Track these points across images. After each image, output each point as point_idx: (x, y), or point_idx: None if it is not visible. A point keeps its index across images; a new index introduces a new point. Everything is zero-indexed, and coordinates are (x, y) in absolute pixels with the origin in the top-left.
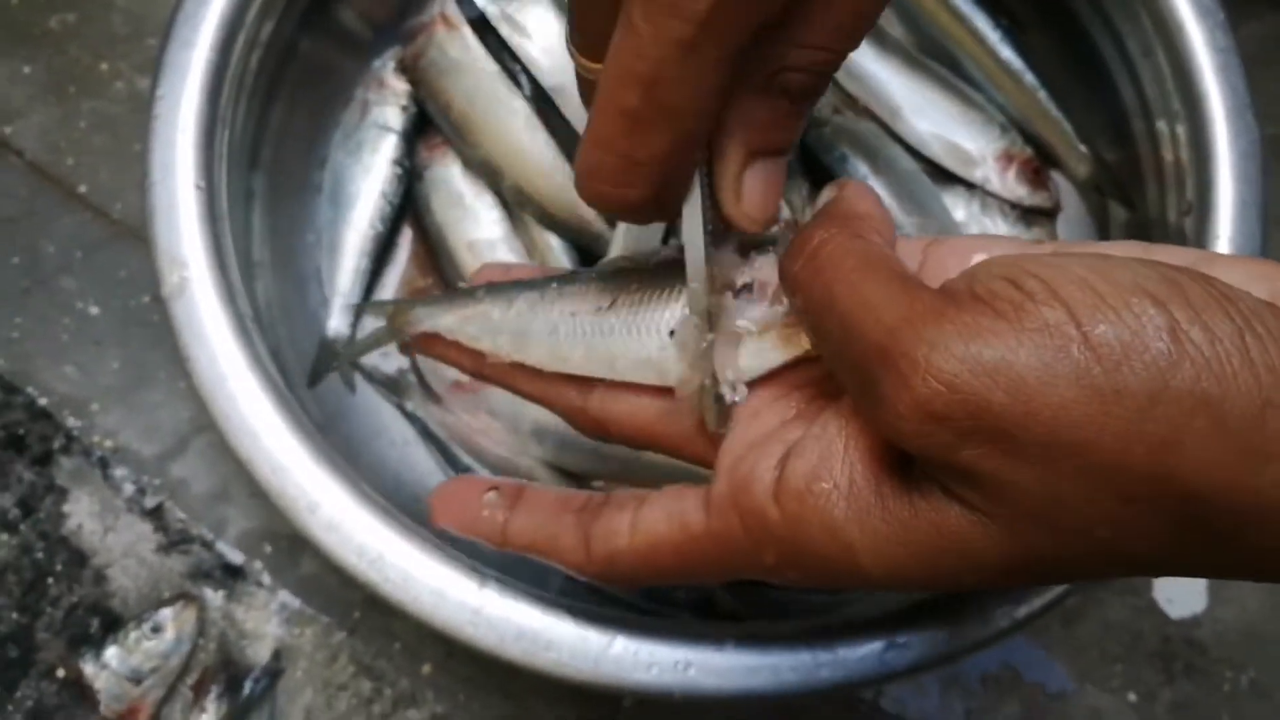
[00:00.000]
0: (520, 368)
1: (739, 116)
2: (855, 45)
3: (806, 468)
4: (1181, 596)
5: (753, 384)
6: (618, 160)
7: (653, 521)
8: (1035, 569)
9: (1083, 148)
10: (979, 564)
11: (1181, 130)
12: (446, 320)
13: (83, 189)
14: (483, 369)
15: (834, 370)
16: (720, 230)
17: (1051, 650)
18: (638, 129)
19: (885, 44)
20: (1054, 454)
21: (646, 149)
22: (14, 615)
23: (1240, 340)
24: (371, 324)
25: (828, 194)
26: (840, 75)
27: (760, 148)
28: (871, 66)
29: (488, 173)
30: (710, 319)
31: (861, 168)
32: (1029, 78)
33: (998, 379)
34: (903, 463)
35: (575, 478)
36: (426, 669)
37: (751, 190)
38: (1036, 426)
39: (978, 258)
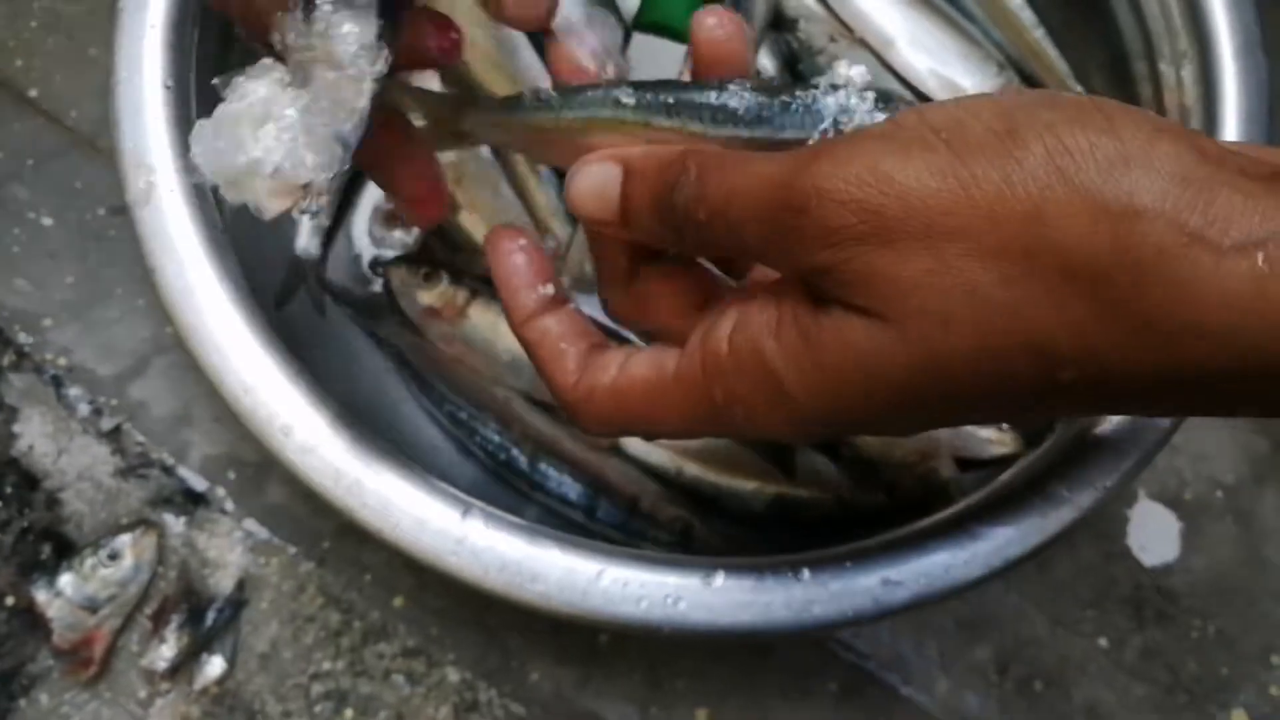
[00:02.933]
0: None
1: None
2: None
3: (747, 315)
4: (1155, 544)
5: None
6: None
7: (636, 364)
8: (942, 381)
9: (1079, 88)
10: (886, 378)
11: (1187, 73)
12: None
13: (33, 93)
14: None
15: (739, 253)
16: None
17: (1025, 594)
18: None
19: None
20: (932, 242)
21: None
22: None
23: (1109, 129)
24: (342, 249)
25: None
26: (836, 3)
27: None
28: None
29: (469, 84)
30: None
31: None
32: (1027, 14)
33: (875, 183)
34: (815, 307)
35: (551, 410)
36: (398, 601)
37: None
38: (913, 217)
39: None
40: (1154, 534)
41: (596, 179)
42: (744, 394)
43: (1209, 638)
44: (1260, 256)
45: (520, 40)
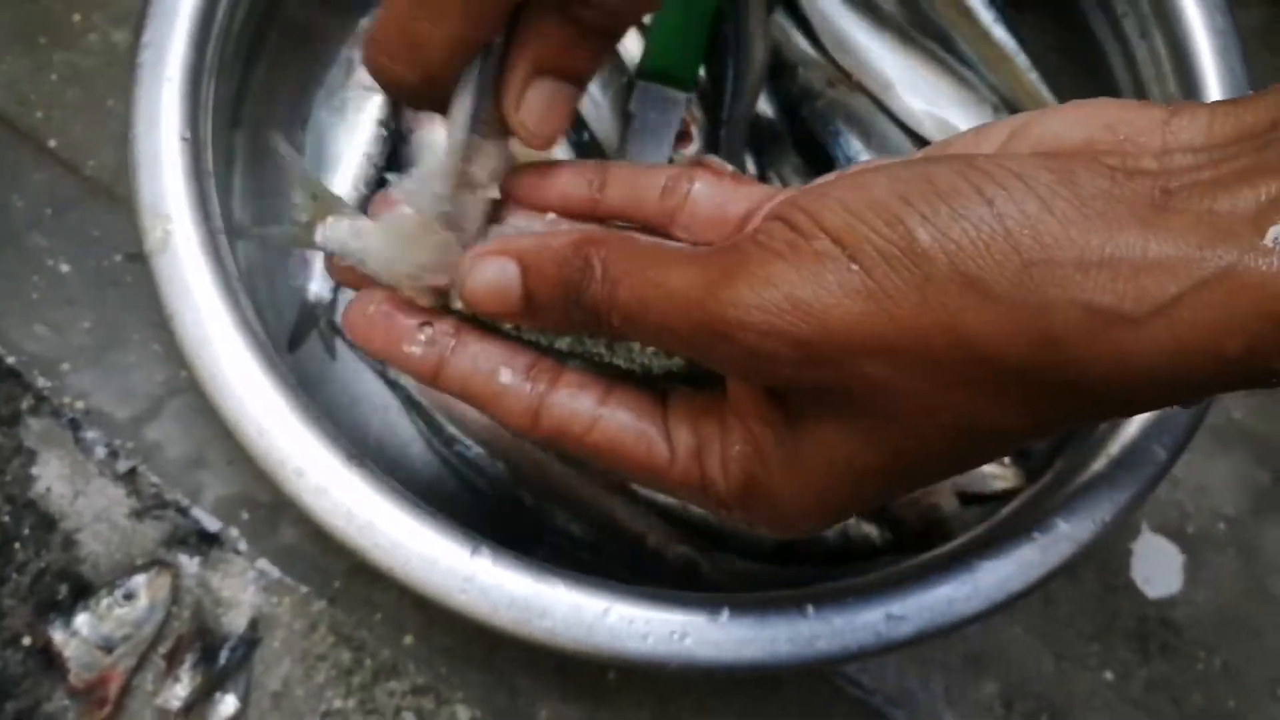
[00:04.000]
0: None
1: (532, 30)
2: (650, 7)
3: (728, 447)
4: (1158, 577)
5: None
6: (396, 35)
7: (618, 430)
8: (912, 462)
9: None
10: (863, 468)
11: None
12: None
13: (53, 143)
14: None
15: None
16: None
17: (1030, 628)
18: (420, 13)
19: (880, 19)
20: (867, 360)
21: (422, 32)
22: None
23: (989, 210)
24: (353, 292)
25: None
26: (834, 49)
27: (547, 66)
28: (866, 41)
29: None
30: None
31: (855, 142)
32: (1021, 59)
33: (795, 312)
34: (786, 411)
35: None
36: (408, 640)
37: (532, 103)
38: (838, 340)
39: None
40: (1157, 567)
41: (492, 276)
42: (750, 517)
43: (1214, 670)
44: (1185, 311)
45: None
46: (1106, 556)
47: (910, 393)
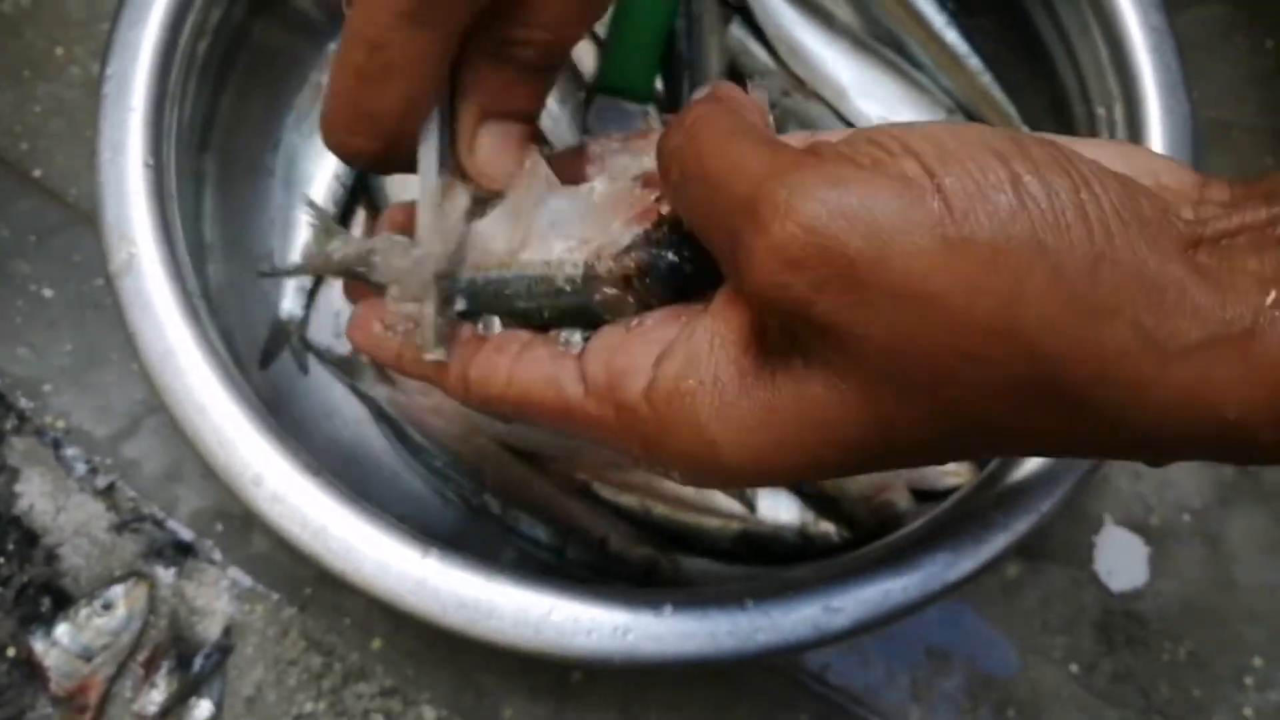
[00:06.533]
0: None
1: (472, 80)
2: (577, 32)
3: (674, 368)
4: (1122, 569)
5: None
6: (349, 110)
7: (530, 379)
8: (893, 442)
9: (1026, 130)
10: (837, 437)
11: (1119, 112)
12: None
13: (38, 173)
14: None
15: (704, 241)
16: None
17: (994, 622)
18: (365, 84)
19: (833, 27)
20: (903, 303)
21: (372, 102)
22: None
23: (1075, 195)
24: (323, 307)
25: (701, 91)
26: (788, 57)
27: (493, 109)
28: (819, 49)
29: None
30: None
31: None
32: (974, 61)
33: (856, 223)
34: (768, 348)
35: (529, 457)
36: (376, 644)
37: (483, 147)
38: (888, 273)
39: None
40: (1121, 559)
41: None
42: (668, 458)
43: (1180, 660)
44: (1199, 363)
45: None
46: (1070, 550)
47: (929, 358)
